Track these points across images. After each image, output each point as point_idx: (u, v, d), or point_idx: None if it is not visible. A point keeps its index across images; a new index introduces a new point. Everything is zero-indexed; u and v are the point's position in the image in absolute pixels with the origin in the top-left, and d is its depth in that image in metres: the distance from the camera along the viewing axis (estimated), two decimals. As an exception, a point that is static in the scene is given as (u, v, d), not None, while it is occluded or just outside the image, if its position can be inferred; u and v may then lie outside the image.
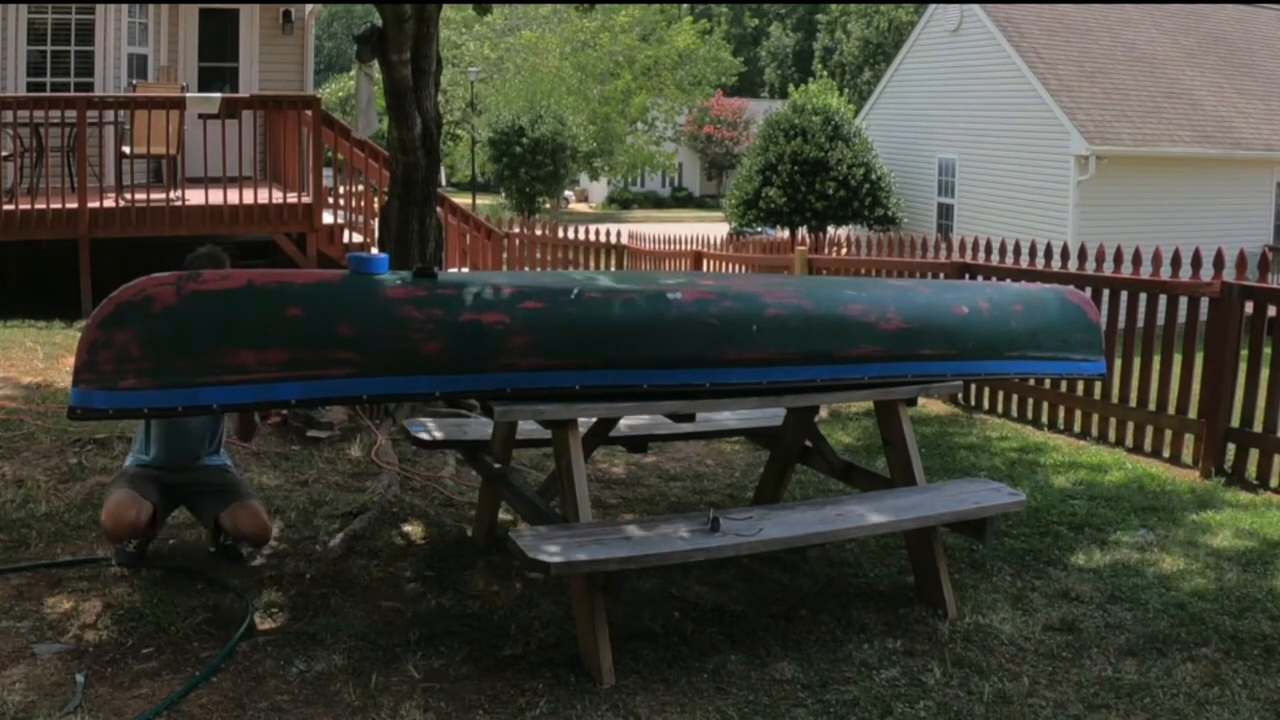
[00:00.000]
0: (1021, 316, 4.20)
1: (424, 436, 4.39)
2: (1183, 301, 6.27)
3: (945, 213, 20.57)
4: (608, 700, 3.19)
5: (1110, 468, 5.96)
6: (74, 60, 10.99)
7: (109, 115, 9.67)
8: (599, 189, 49.90)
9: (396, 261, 6.01)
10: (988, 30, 19.17)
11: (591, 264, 14.18)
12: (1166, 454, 6.23)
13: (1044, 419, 7.05)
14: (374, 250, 9.81)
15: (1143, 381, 6.45)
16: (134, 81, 11.14)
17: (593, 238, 14.44)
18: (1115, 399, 6.56)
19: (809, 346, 3.70)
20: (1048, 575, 4.29)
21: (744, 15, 66.35)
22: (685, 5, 50.63)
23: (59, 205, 9.22)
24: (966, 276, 7.37)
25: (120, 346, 2.96)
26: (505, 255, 13.69)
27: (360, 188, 10.80)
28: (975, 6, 19.40)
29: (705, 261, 14.90)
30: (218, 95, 9.97)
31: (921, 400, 4.71)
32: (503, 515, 4.55)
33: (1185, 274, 6.42)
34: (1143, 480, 5.69)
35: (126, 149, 9.73)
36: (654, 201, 50.25)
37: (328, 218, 10.55)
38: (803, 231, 21.05)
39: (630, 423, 4.56)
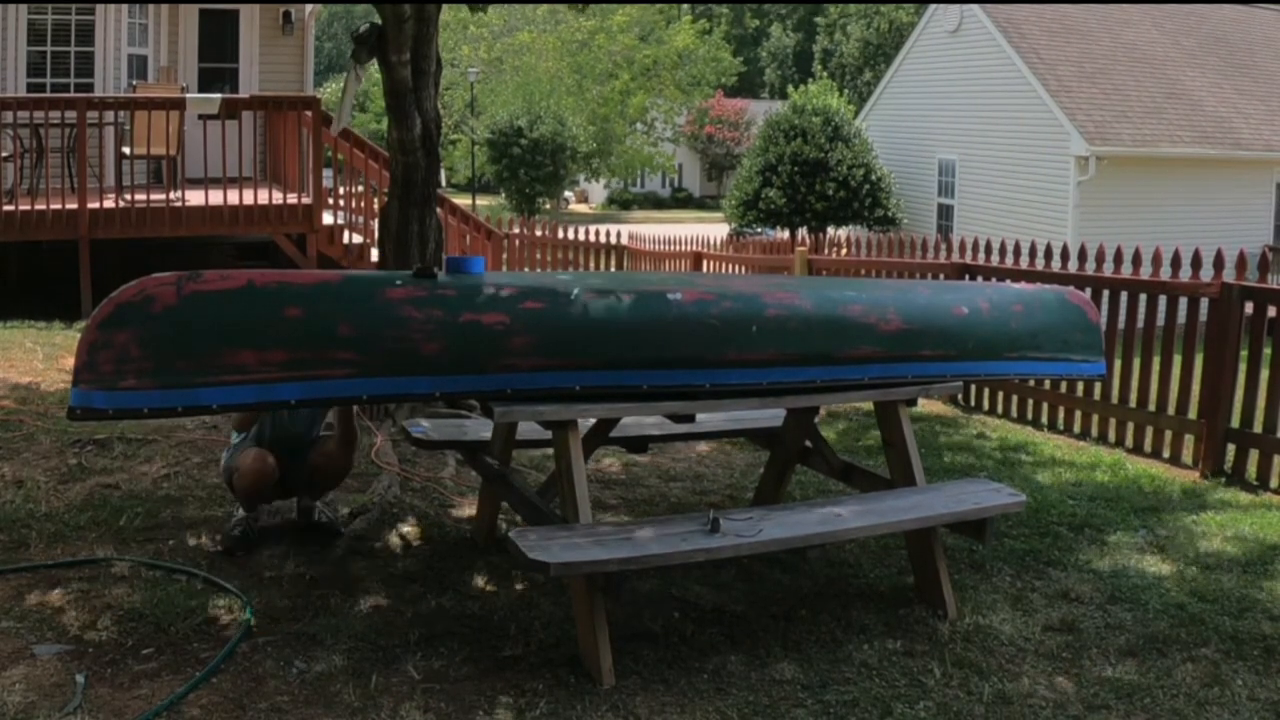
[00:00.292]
0: (1021, 317, 4.20)
1: (423, 437, 4.39)
2: (1183, 302, 6.27)
3: (945, 213, 20.57)
4: (608, 701, 3.19)
5: (1110, 468, 5.96)
6: (74, 61, 11.00)
7: (109, 116, 9.68)
8: (599, 190, 49.89)
9: (396, 263, 6.01)
10: (988, 31, 19.18)
11: (591, 265, 14.19)
12: (1166, 454, 6.23)
13: (1044, 419, 7.05)
14: (374, 251, 9.81)
15: (1142, 382, 6.45)
16: (134, 82, 11.14)
17: (592, 238, 14.45)
18: (1115, 399, 6.56)
19: (809, 347, 3.70)
20: (1048, 576, 4.29)
21: (744, 16, 66.35)
22: (685, 5, 50.61)
23: (59, 206, 9.23)
24: (966, 277, 7.37)
25: (120, 347, 2.96)
26: (505, 256, 13.71)
27: (360, 188, 10.80)
28: (975, 7, 19.41)
29: (705, 262, 14.91)
30: (218, 96, 9.98)
31: (921, 401, 4.71)
32: (502, 516, 4.55)
33: (1185, 274, 6.42)
34: (1142, 481, 5.69)
35: (126, 150, 9.73)
36: (654, 202, 50.24)
37: (327, 218, 10.55)
38: (802, 232, 21.06)
39: (630, 423, 4.56)
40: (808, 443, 4.49)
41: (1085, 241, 8.64)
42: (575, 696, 3.20)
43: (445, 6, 6.61)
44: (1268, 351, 5.84)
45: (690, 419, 3.85)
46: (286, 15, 12.86)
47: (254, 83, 12.63)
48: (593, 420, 4.04)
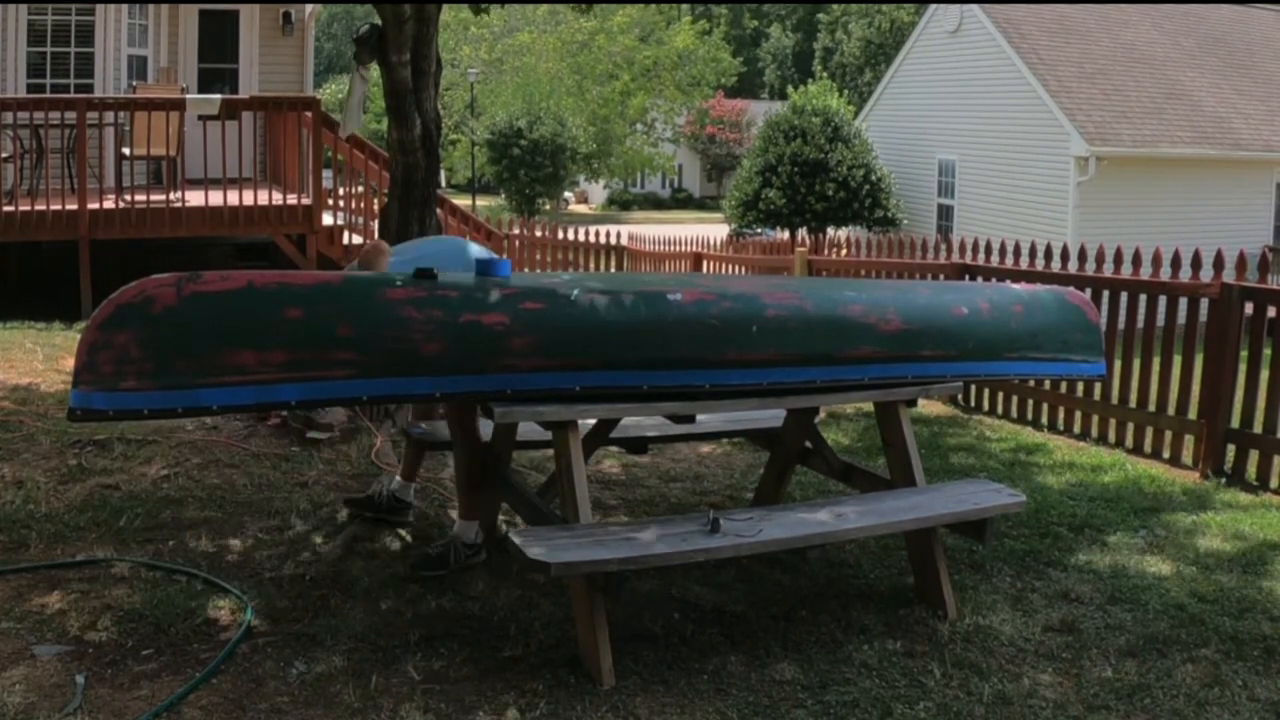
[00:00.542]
0: (1021, 317, 4.20)
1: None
2: (1183, 302, 6.27)
3: (945, 214, 20.57)
4: (607, 701, 3.19)
5: (1110, 469, 5.96)
6: (74, 61, 11.00)
7: (109, 116, 9.67)
8: (598, 190, 49.88)
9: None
10: (988, 31, 19.18)
11: (591, 265, 14.19)
12: (1166, 455, 6.23)
13: (1043, 420, 7.05)
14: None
15: (1142, 382, 6.45)
16: (134, 83, 11.14)
17: (592, 239, 14.45)
18: (1115, 400, 6.56)
19: (809, 347, 3.70)
20: (1048, 576, 4.29)
21: (744, 16, 66.37)
22: (685, 6, 50.61)
23: (59, 206, 9.22)
24: (966, 277, 7.37)
25: (120, 348, 2.96)
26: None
27: (360, 189, 10.80)
28: (975, 7, 19.41)
29: (705, 263, 14.91)
30: (217, 96, 9.97)
31: (921, 401, 4.71)
32: (502, 516, 4.55)
33: (1185, 275, 6.42)
34: (1142, 481, 5.69)
35: (126, 150, 9.73)
36: (654, 203, 50.23)
37: (327, 219, 10.55)
38: (802, 233, 21.06)
39: (630, 424, 4.56)
40: (808, 443, 4.49)
41: (1085, 242, 8.64)
42: (575, 697, 3.20)
43: (445, 7, 6.61)
44: (1268, 352, 5.84)
45: (690, 419, 3.85)
46: (286, 16, 12.86)
47: (254, 83, 12.63)
48: (593, 421, 4.04)
